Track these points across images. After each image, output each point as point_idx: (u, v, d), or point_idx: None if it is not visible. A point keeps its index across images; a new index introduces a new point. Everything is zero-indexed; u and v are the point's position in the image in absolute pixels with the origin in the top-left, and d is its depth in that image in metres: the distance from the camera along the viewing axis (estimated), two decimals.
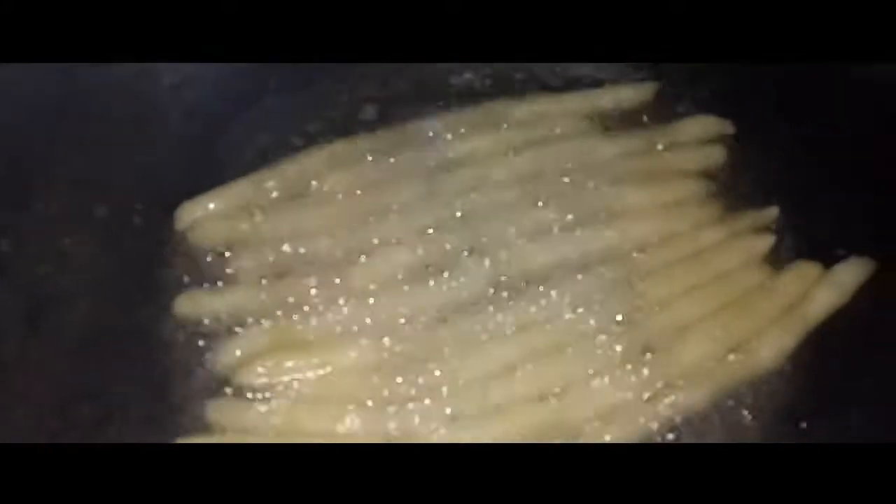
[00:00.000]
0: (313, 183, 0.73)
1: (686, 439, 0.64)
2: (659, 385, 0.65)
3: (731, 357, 0.66)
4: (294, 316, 0.67)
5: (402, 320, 0.67)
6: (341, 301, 0.67)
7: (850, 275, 0.68)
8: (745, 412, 0.65)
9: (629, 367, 0.65)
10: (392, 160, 0.74)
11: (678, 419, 0.64)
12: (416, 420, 0.63)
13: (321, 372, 0.65)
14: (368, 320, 0.67)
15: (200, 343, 0.66)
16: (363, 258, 0.69)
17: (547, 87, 0.79)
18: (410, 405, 0.64)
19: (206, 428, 0.63)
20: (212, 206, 0.72)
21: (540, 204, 0.72)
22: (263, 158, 0.74)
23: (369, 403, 0.64)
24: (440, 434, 0.63)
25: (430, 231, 0.71)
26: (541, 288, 0.69)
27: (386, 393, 0.64)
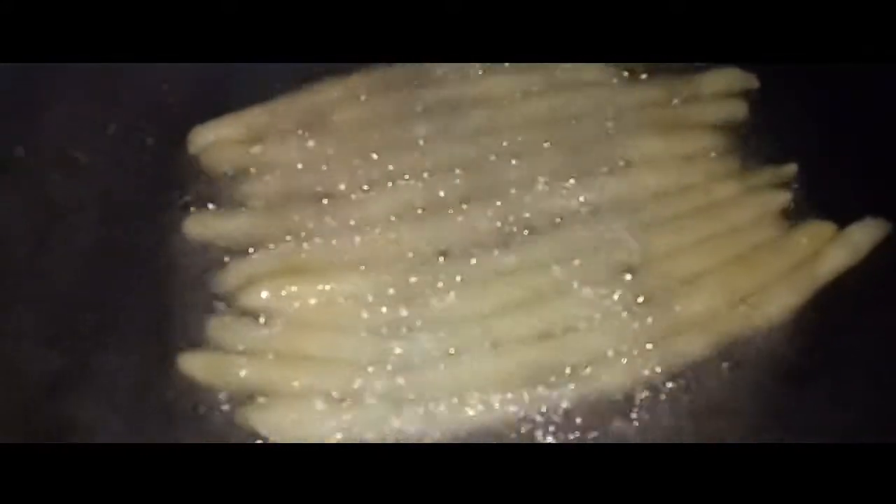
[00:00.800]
0: (326, 114, 0.72)
1: (680, 391, 0.64)
2: (660, 333, 0.65)
3: (736, 310, 0.66)
4: (299, 243, 0.67)
5: (407, 254, 0.67)
6: (346, 231, 0.68)
7: (864, 235, 0.68)
8: (744, 366, 0.65)
9: (631, 313, 0.65)
10: (407, 97, 0.73)
11: (675, 368, 0.64)
12: (414, 350, 0.64)
13: (322, 298, 0.65)
14: (372, 252, 0.67)
15: (206, 263, 0.67)
16: (371, 190, 0.69)
17: None
18: (409, 335, 0.64)
19: (206, 344, 0.64)
20: (225, 130, 0.72)
21: (553, 150, 0.72)
22: (279, 89, 0.74)
23: (367, 331, 0.64)
24: (438, 369, 0.63)
25: (441, 169, 0.70)
26: (548, 232, 0.69)
27: (385, 322, 0.65)
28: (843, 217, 0.68)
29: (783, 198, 0.70)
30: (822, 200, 0.70)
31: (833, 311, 0.66)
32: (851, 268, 0.67)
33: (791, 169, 0.71)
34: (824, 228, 0.68)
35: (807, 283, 0.67)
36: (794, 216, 0.70)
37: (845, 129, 0.71)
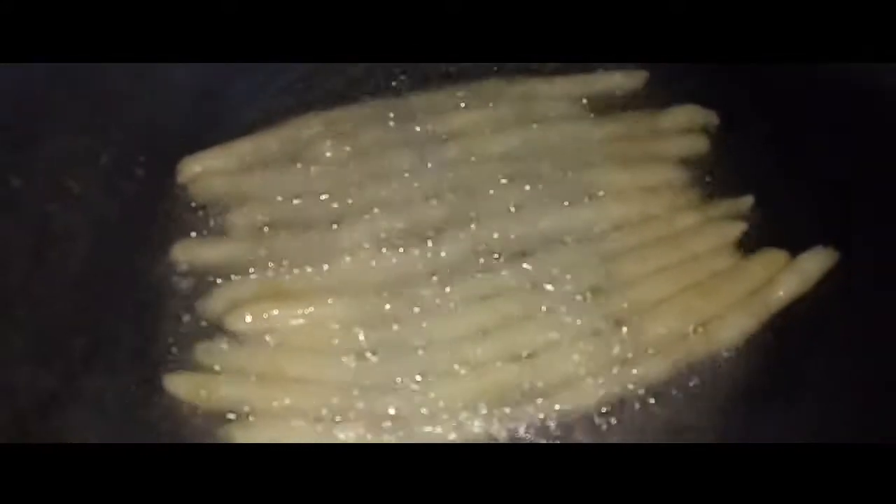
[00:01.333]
0: (309, 147, 0.76)
1: (642, 411, 0.67)
2: (623, 356, 0.68)
3: (695, 334, 0.69)
4: (282, 269, 0.71)
5: (384, 280, 0.70)
6: (326, 258, 0.71)
7: (814, 263, 0.71)
8: (703, 387, 0.68)
9: (597, 337, 0.69)
10: (386, 131, 0.77)
11: (638, 389, 0.68)
12: (390, 372, 0.67)
13: (303, 322, 0.68)
14: (351, 278, 0.70)
15: (192, 288, 0.70)
16: (350, 220, 0.73)
17: (541, 70, 0.82)
18: (386, 358, 0.67)
19: (191, 365, 0.67)
20: (212, 162, 0.75)
21: (524, 181, 0.75)
22: (264, 121, 0.78)
23: (346, 354, 0.67)
24: (412, 390, 0.66)
25: (418, 199, 0.74)
26: (519, 259, 0.72)
27: (363, 345, 0.68)
28: (795, 246, 0.72)
29: (740, 228, 0.74)
30: (775, 230, 0.74)
31: (786, 335, 0.69)
32: (803, 294, 0.70)
33: (747, 201, 0.75)
34: (778, 257, 0.72)
35: (762, 308, 0.70)
36: (749, 245, 0.73)
37: (798, 166, 0.74)
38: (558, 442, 0.65)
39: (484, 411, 0.66)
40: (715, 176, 0.78)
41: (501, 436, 0.66)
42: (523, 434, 0.66)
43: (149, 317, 0.68)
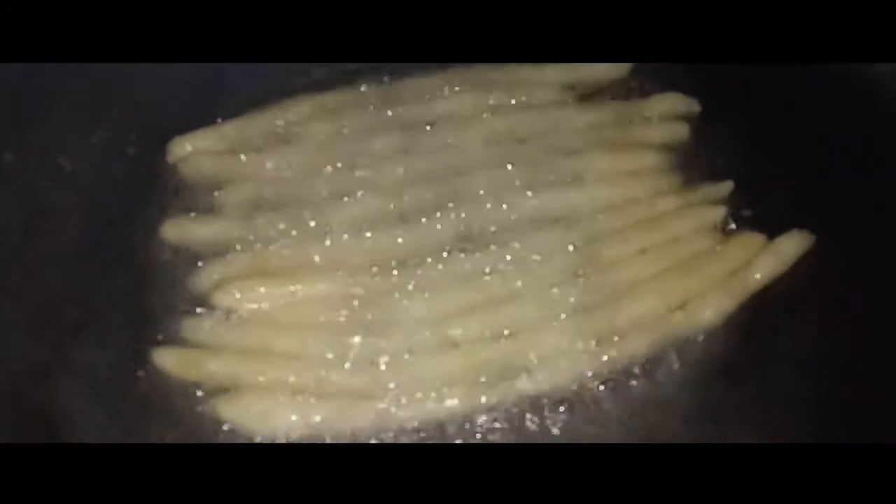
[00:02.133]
0: (298, 128, 0.77)
1: (623, 387, 0.69)
2: (605, 334, 0.70)
3: (675, 314, 0.71)
4: (270, 247, 0.72)
5: (370, 259, 0.72)
6: (313, 237, 0.72)
7: (790, 246, 0.73)
8: (681, 365, 0.70)
9: (579, 316, 0.70)
10: (373, 114, 0.79)
11: (619, 366, 0.69)
12: (374, 349, 0.68)
13: (290, 299, 0.70)
14: (337, 257, 0.72)
15: (182, 265, 0.71)
16: (337, 200, 0.74)
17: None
18: (370, 335, 0.68)
19: (180, 340, 0.68)
20: (202, 142, 0.77)
21: (510, 164, 0.77)
22: (254, 103, 0.79)
23: (331, 330, 0.69)
24: (396, 366, 0.68)
25: (404, 181, 0.75)
26: (504, 240, 0.73)
27: (348, 322, 0.69)
28: (772, 229, 0.74)
29: (719, 212, 0.75)
30: (753, 214, 0.75)
31: (763, 314, 0.71)
32: (780, 275, 0.72)
33: (727, 186, 0.77)
34: (755, 239, 0.74)
35: (740, 289, 0.72)
36: (728, 229, 0.75)
37: (775, 152, 0.76)
38: (536, 420, 0.67)
39: (466, 388, 0.67)
40: (696, 161, 0.79)
41: (482, 412, 0.67)
42: (504, 410, 0.67)
43: (139, 292, 0.70)
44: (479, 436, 0.66)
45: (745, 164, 0.78)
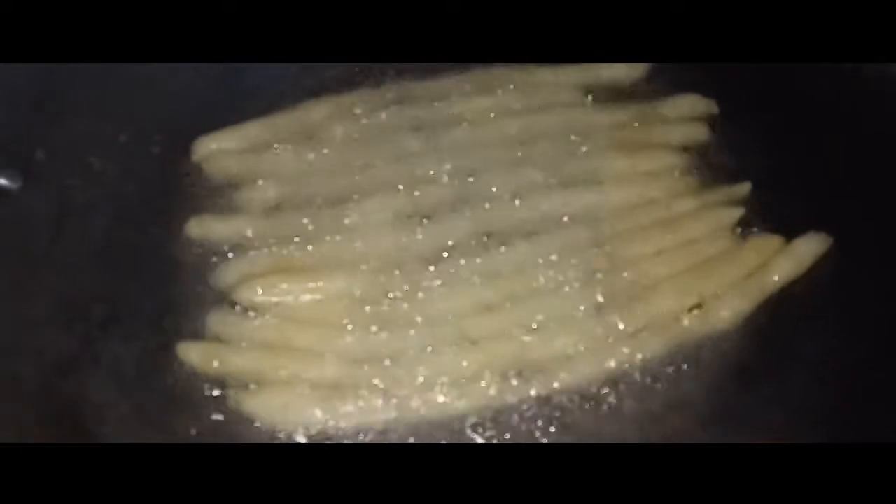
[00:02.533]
0: (319, 128, 0.79)
1: (639, 387, 0.69)
2: (622, 334, 0.70)
3: (692, 314, 0.71)
4: (292, 245, 0.73)
5: (391, 257, 0.73)
6: (336, 236, 0.73)
7: (807, 248, 0.73)
8: (697, 367, 0.70)
9: (597, 315, 0.71)
10: (393, 114, 0.80)
11: (636, 367, 0.69)
12: (395, 345, 0.69)
13: (312, 296, 0.71)
14: (359, 254, 0.73)
15: (206, 262, 0.73)
16: (359, 199, 0.75)
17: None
18: (391, 332, 0.70)
19: (204, 335, 0.69)
20: (226, 142, 0.78)
21: (528, 165, 0.78)
22: (277, 104, 0.81)
23: (352, 326, 0.70)
24: (416, 362, 0.68)
25: (423, 180, 0.76)
26: (522, 240, 0.74)
27: (369, 319, 0.70)
28: (789, 231, 0.74)
29: (737, 213, 0.75)
30: (771, 216, 0.75)
31: (780, 317, 0.71)
32: (797, 277, 0.72)
33: (745, 187, 0.77)
34: (773, 241, 0.74)
35: (756, 290, 0.72)
36: (746, 230, 0.75)
37: (793, 154, 0.77)
38: (552, 418, 0.67)
39: (484, 384, 0.68)
40: (714, 163, 0.80)
41: (499, 410, 0.67)
42: (522, 407, 0.68)
43: (164, 288, 0.71)
44: (495, 434, 0.66)
45: (763, 166, 0.78)
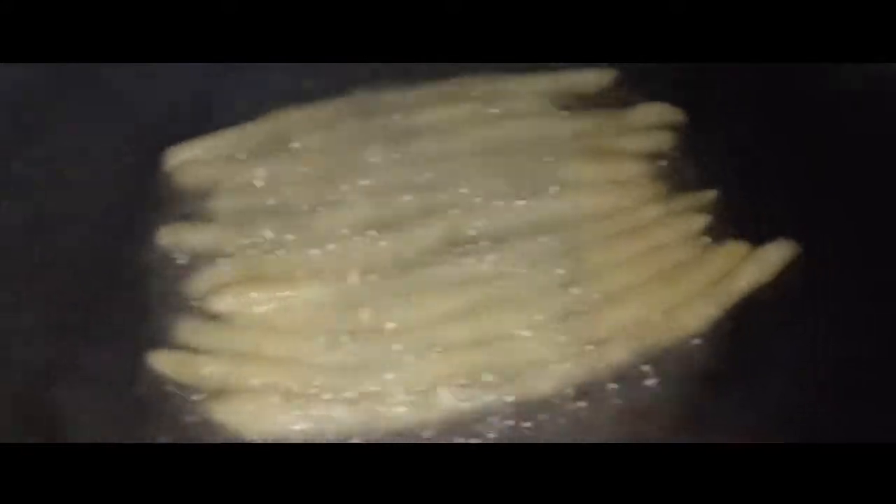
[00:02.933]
0: (290, 138, 0.80)
1: (607, 393, 0.69)
2: (590, 340, 0.71)
3: (660, 320, 0.72)
4: (263, 254, 0.74)
5: (361, 265, 0.73)
6: (305, 244, 0.74)
7: (775, 255, 0.74)
8: (665, 373, 0.70)
9: (564, 322, 0.71)
10: (362, 125, 0.81)
11: (603, 373, 0.70)
12: (364, 353, 0.70)
13: (282, 304, 0.71)
14: (329, 263, 0.73)
15: (178, 271, 0.73)
16: (329, 208, 0.76)
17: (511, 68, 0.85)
18: (361, 339, 0.70)
19: (176, 343, 0.70)
20: (197, 151, 0.79)
21: (496, 174, 0.78)
22: (247, 113, 0.82)
23: (322, 335, 0.70)
24: (385, 370, 0.69)
25: (394, 189, 0.77)
26: (491, 248, 0.75)
27: (338, 327, 0.71)
28: (756, 238, 0.75)
29: (703, 220, 0.76)
30: (737, 223, 0.76)
31: (747, 323, 0.72)
32: (764, 283, 0.73)
33: (711, 194, 0.78)
34: (739, 248, 0.75)
35: (723, 296, 0.72)
36: (712, 237, 0.76)
37: (759, 161, 0.78)
38: (519, 425, 0.68)
39: (452, 392, 0.68)
40: (681, 170, 0.81)
41: (468, 416, 0.68)
42: (489, 414, 0.68)
43: (136, 296, 0.71)
44: (462, 439, 0.67)
45: (728, 173, 0.79)
